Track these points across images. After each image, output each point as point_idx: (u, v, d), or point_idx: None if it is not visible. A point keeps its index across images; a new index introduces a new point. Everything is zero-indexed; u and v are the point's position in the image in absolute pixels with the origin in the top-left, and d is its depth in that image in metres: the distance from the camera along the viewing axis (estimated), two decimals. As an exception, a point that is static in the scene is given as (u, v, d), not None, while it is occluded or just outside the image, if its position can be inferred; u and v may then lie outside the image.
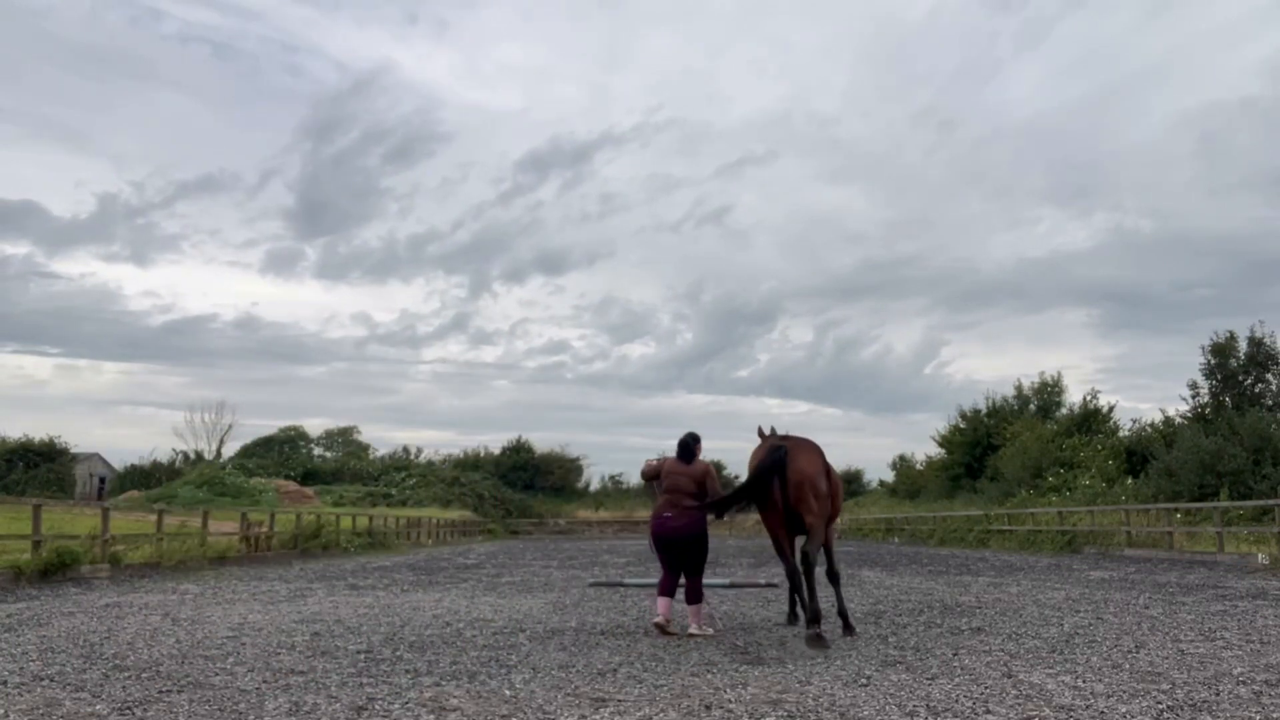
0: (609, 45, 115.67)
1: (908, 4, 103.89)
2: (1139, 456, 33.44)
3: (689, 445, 8.51)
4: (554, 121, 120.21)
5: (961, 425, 48.63)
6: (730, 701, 5.25)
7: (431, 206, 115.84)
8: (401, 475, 64.46)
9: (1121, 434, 39.09)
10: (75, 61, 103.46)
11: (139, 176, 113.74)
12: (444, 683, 5.89)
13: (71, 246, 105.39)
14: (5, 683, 5.87)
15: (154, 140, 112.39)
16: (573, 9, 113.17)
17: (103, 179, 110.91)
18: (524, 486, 65.61)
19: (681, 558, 8.28)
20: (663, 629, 8.05)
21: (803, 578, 7.76)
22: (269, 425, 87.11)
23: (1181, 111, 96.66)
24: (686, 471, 8.36)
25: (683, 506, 8.25)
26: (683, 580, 8.41)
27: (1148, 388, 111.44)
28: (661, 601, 8.21)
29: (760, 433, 8.85)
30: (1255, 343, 32.21)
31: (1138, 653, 7.02)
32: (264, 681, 5.90)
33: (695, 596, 8.31)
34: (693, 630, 8.12)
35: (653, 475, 8.66)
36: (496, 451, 68.68)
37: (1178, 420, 34.27)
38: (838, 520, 9.27)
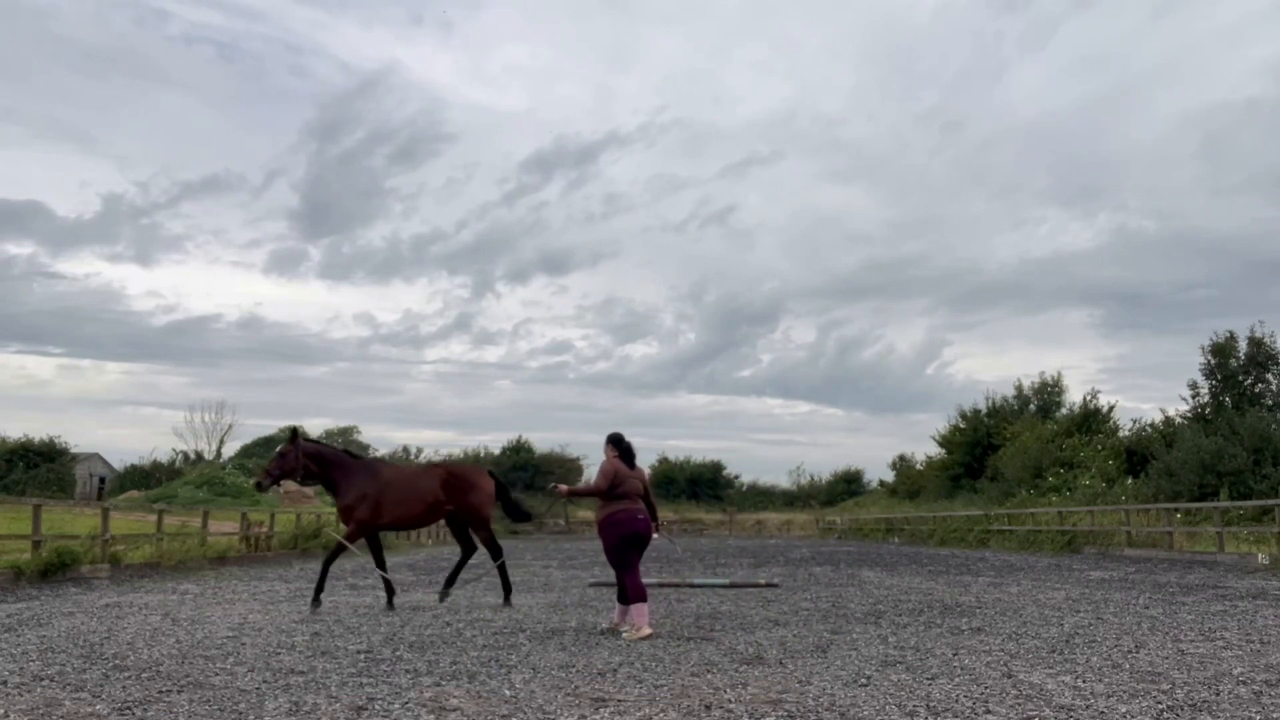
0: (614, 45, 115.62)
1: (913, 5, 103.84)
2: (1139, 456, 33.44)
3: (631, 448, 8.68)
4: (559, 122, 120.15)
5: (962, 425, 48.63)
6: (730, 701, 5.24)
7: (435, 207, 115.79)
8: (402, 475, 64.40)
9: (1121, 434, 39.07)
10: (80, 62, 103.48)
11: (144, 177, 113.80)
12: (444, 683, 5.89)
13: (76, 247, 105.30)
14: (5, 683, 5.87)
15: (159, 141, 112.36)
16: (577, 9, 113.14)
17: (107, 179, 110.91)
18: (524, 487, 65.57)
19: (635, 556, 8.46)
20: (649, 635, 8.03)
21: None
22: (270, 425, 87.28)
23: (1185, 112, 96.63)
24: (639, 475, 8.63)
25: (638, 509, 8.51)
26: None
27: (1149, 388, 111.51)
28: (643, 609, 8.18)
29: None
30: (1255, 343, 32.22)
31: (1138, 653, 7.02)
32: (264, 681, 5.90)
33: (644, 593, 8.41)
34: (647, 632, 8.02)
35: (608, 486, 8.47)
36: (497, 452, 68.74)
37: (1178, 420, 34.26)
38: None
